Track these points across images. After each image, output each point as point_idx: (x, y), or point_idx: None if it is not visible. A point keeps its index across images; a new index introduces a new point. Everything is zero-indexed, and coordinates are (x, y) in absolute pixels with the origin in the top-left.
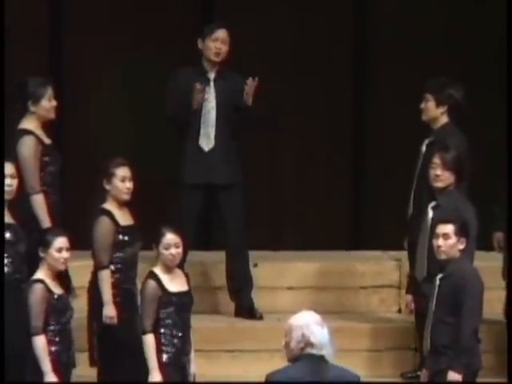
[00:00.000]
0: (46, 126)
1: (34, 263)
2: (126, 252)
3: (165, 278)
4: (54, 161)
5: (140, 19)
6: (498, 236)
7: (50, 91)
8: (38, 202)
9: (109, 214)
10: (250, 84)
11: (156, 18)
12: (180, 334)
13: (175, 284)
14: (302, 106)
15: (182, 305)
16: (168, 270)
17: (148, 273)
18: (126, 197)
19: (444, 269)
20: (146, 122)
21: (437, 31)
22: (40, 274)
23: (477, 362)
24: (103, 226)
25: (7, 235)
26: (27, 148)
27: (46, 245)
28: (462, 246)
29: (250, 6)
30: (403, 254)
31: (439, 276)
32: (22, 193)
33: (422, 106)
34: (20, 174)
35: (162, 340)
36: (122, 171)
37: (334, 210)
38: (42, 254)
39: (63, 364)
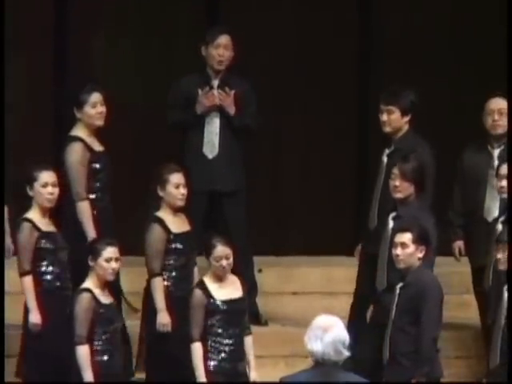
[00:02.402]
0: (97, 132)
1: (82, 272)
2: (179, 260)
3: (214, 287)
4: (104, 168)
5: (145, 19)
6: (458, 244)
7: (94, 98)
8: (83, 209)
9: (160, 221)
10: (224, 96)
11: (161, 18)
12: (229, 342)
13: (225, 292)
14: (307, 109)
15: (231, 313)
16: (218, 278)
17: (197, 281)
18: (180, 203)
19: (404, 278)
20: (149, 122)
21: (443, 31)
22: (88, 283)
23: (437, 371)
24: (154, 234)
25: (47, 244)
26: (73, 155)
27: (95, 254)
28: (421, 255)
29: (255, 5)
30: None
31: (399, 285)
32: (68, 199)
33: (385, 118)
34: (66, 181)
35: (210, 348)
36: (176, 177)
37: (338, 216)
38: (91, 264)
39: (112, 374)
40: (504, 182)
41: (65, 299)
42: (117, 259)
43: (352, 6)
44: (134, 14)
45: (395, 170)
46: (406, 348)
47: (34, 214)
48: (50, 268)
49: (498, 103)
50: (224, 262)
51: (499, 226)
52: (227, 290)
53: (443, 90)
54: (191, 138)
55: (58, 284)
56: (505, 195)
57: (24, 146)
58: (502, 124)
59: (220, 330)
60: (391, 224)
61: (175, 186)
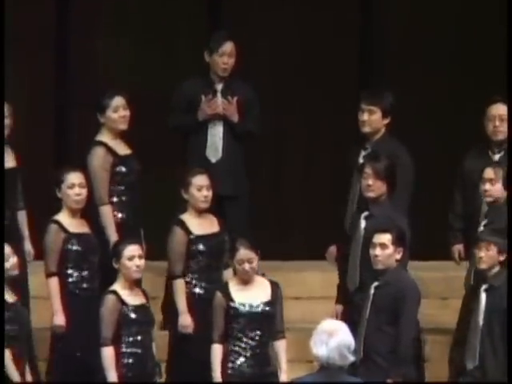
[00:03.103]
0: (122, 136)
1: (111, 275)
2: (202, 262)
3: (236, 290)
4: (129, 172)
5: (147, 21)
6: (458, 248)
7: (116, 102)
8: (105, 213)
9: (182, 223)
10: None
11: (162, 19)
12: (251, 346)
13: (248, 296)
14: (308, 109)
15: (252, 316)
16: (243, 281)
17: (223, 284)
18: (203, 205)
19: (379, 278)
20: (151, 125)
21: (445, 32)
22: (116, 285)
23: (413, 372)
24: (175, 236)
25: (74, 245)
26: (96, 159)
27: (117, 255)
28: (399, 256)
29: (257, 7)
30: (412, 264)
31: (374, 284)
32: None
33: (365, 118)
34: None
35: (230, 351)
36: (199, 180)
37: (341, 220)
38: (115, 266)
39: (138, 375)
40: (488, 186)
41: (91, 301)
42: (140, 256)
43: (353, 6)
44: (134, 15)
45: (367, 170)
46: (383, 348)
47: (62, 216)
48: (77, 270)
49: (499, 109)
50: (246, 266)
51: (481, 229)
52: (251, 294)
53: (444, 91)
54: (194, 141)
55: (85, 286)
56: (489, 198)
57: (25, 145)
58: (502, 130)
59: (240, 334)
60: (363, 223)
61: (198, 188)
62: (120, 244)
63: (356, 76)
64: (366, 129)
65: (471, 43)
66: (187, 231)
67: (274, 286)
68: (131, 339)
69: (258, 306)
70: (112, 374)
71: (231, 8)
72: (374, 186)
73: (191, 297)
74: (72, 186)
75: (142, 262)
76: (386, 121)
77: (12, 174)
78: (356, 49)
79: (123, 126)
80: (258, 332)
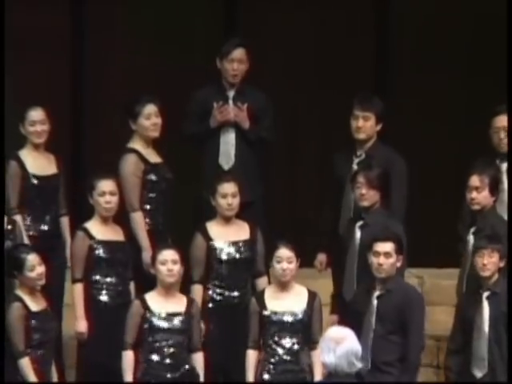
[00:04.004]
0: (154, 144)
1: (146, 282)
2: (223, 269)
3: (271, 297)
4: (160, 180)
5: (162, 27)
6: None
7: (148, 109)
8: (136, 220)
9: (203, 230)
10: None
11: (178, 25)
12: (281, 353)
13: (283, 303)
14: (323, 115)
15: (283, 324)
16: (280, 287)
17: (259, 290)
18: (228, 213)
19: (380, 286)
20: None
21: (460, 35)
22: (153, 291)
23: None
24: (194, 242)
25: (102, 253)
26: (127, 166)
27: (152, 261)
28: (399, 264)
29: (273, 14)
30: (425, 272)
31: (376, 294)
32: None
33: (361, 124)
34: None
35: (262, 358)
36: (224, 188)
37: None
38: (152, 271)
39: (157, 379)
40: (474, 194)
41: (119, 309)
42: (174, 261)
43: (368, 6)
44: (150, 21)
45: (360, 179)
46: (390, 357)
47: (91, 223)
48: (104, 277)
49: (504, 120)
50: (284, 265)
51: (470, 237)
52: (285, 303)
53: (458, 89)
54: (207, 148)
55: (112, 293)
56: (476, 207)
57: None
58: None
59: (270, 342)
60: (359, 233)
61: (222, 195)
62: (155, 249)
63: (372, 80)
64: (361, 135)
65: (487, 40)
66: (207, 238)
67: (312, 296)
68: (150, 346)
69: (290, 315)
70: (128, 378)
71: (247, 12)
72: (367, 195)
73: (207, 304)
74: (103, 194)
75: (175, 267)
76: (379, 127)
77: (54, 179)
78: (372, 51)
79: (155, 134)
80: (289, 340)
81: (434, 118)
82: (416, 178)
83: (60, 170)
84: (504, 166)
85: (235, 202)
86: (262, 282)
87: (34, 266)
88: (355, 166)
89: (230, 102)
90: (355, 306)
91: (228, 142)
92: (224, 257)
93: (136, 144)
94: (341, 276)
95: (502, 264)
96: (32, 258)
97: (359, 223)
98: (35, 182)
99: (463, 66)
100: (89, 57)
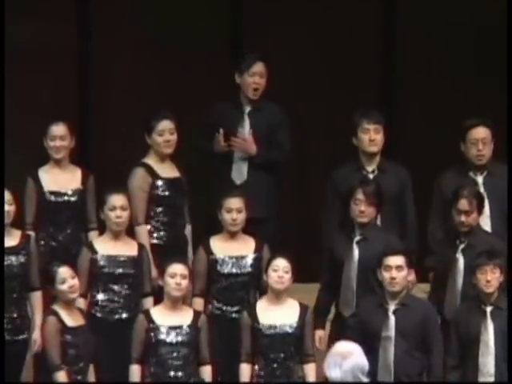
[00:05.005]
0: (171, 159)
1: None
2: (223, 283)
3: (263, 310)
4: (174, 195)
5: (168, 38)
6: None
7: (162, 126)
8: (140, 233)
9: (205, 244)
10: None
11: (183, 43)
12: (272, 367)
13: (275, 316)
14: (331, 130)
15: (274, 338)
16: (274, 299)
17: (251, 304)
18: (232, 228)
19: (393, 301)
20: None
21: (467, 41)
22: (159, 305)
23: None
24: (197, 256)
25: (103, 267)
26: (134, 180)
27: (162, 273)
28: (409, 277)
29: (278, 25)
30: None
31: (392, 308)
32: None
33: (373, 137)
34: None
35: (254, 371)
36: (228, 202)
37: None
38: (161, 284)
39: None
40: (464, 218)
41: (116, 325)
42: (183, 276)
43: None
44: (155, 35)
45: (359, 195)
46: (413, 370)
47: (100, 238)
48: (100, 292)
49: (482, 132)
50: (281, 273)
51: (460, 255)
52: (277, 316)
53: (463, 92)
54: (220, 162)
55: (108, 309)
56: (465, 229)
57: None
58: (485, 154)
59: (262, 354)
60: (357, 249)
61: (227, 210)
62: (165, 262)
63: (378, 90)
64: (374, 148)
65: (493, 43)
66: (208, 252)
67: (303, 309)
68: (154, 360)
69: (281, 328)
70: None
71: (251, 24)
72: (367, 212)
73: (210, 315)
74: (113, 209)
75: (184, 282)
76: (383, 139)
77: (75, 195)
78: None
79: (167, 150)
80: (281, 354)
81: (440, 119)
82: (419, 189)
83: (85, 185)
84: (480, 179)
85: (240, 217)
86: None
87: (65, 278)
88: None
89: (246, 116)
90: (353, 321)
91: (241, 158)
92: (224, 271)
93: (149, 158)
94: (326, 291)
95: (501, 279)
96: (63, 271)
97: (356, 239)
98: (51, 198)
99: (468, 66)
100: (94, 68)
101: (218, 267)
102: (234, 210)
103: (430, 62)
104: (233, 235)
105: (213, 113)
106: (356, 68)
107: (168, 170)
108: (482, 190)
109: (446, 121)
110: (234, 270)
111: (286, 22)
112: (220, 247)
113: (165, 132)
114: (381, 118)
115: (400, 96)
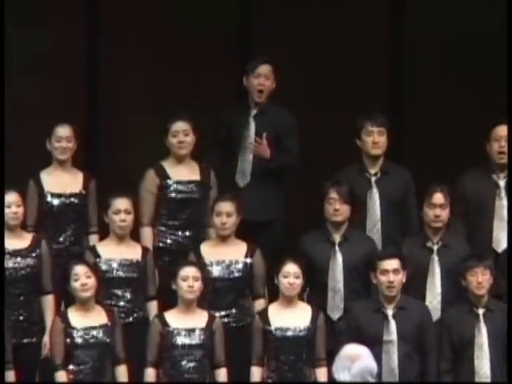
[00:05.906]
0: (189, 161)
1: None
2: (210, 287)
3: (274, 313)
4: (186, 198)
5: (177, 46)
6: None
7: (176, 127)
8: (144, 235)
9: (195, 248)
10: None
11: (193, 50)
12: (284, 370)
13: (286, 319)
14: (339, 133)
15: (286, 341)
16: (285, 303)
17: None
18: (221, 232)
19: (390, 304)
20: None
21: (475, 45)
22: (172, 309)
23: None
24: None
25: (106, 272)
26: (142, 182)
27: (173, 277)
28: (404, 279)
29: (287, 31)
30: None
31: (390, 312)
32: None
33: (377, 139)
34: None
35: (266, 374)
36: (218, 206)
37: None
38: (174, 287)
39: None
40: (439, 211)
41: (129, 327)
42: (195, 278)
43: (385, 7)
44: (165, 42)
45: (333, 195)
46: (412, 372)
47: (103, 242)
48: (103, 297)
49: (504, 130)
50: (292, 279)
51: (434, 255)
52: (289, 319)
53: (469, 94)
54: (226, 165)
55: (126, 310)
56: (439, 224)
57: None
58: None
59: (273, 357)
60: (339, 252)
61: (217, 213)
62: (177, 265)
63: (386, 93)
64: (378, 151)
65: (503, 48)
66: (199, 256)
67: (315, 313)
68: (169, 363)
69: (293, 331)
70: None
71: (261, 36)
72: (341, 210)
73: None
74: (117, 212)
75: (196, 284)
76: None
77: (77, 198)
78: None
79: (181, 152)
80: (292, 357)
81: (452, 133)
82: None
83: (87, 188)
84: (502, 183)
85: (230, 221)
86: (259, 304)
87: (79, 276)
88: (374, 185)
89: (251, 119)
90: (340, 327)
91: (245, 160)
92: (212, 275)
93: (167, 160)
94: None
95: (491, 281)
96: (78, 269)
97: (338, 241)
98: (53, 200)
99: (480, 66)
100: (103, 76)
101: (206, 271)
102: (223, 213)
103: (438, 66)
104: (224, 239)
105: (224, 119)
106: (364, 71)
107: (185, 172)
108: (503, 193)
109: (454, 125)
110: (222, 275)
111: (295, 26)
112: (210, 252)
113: (179, 133)
114: (385, 121)
115: (408, 100)
